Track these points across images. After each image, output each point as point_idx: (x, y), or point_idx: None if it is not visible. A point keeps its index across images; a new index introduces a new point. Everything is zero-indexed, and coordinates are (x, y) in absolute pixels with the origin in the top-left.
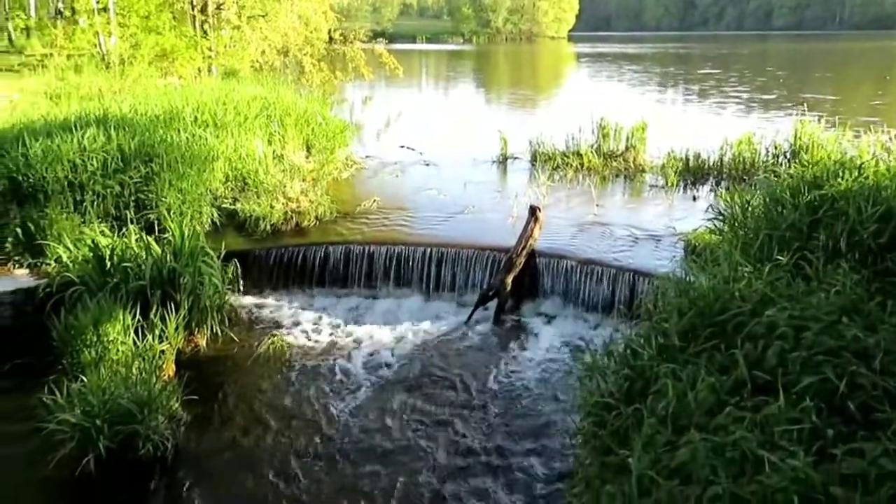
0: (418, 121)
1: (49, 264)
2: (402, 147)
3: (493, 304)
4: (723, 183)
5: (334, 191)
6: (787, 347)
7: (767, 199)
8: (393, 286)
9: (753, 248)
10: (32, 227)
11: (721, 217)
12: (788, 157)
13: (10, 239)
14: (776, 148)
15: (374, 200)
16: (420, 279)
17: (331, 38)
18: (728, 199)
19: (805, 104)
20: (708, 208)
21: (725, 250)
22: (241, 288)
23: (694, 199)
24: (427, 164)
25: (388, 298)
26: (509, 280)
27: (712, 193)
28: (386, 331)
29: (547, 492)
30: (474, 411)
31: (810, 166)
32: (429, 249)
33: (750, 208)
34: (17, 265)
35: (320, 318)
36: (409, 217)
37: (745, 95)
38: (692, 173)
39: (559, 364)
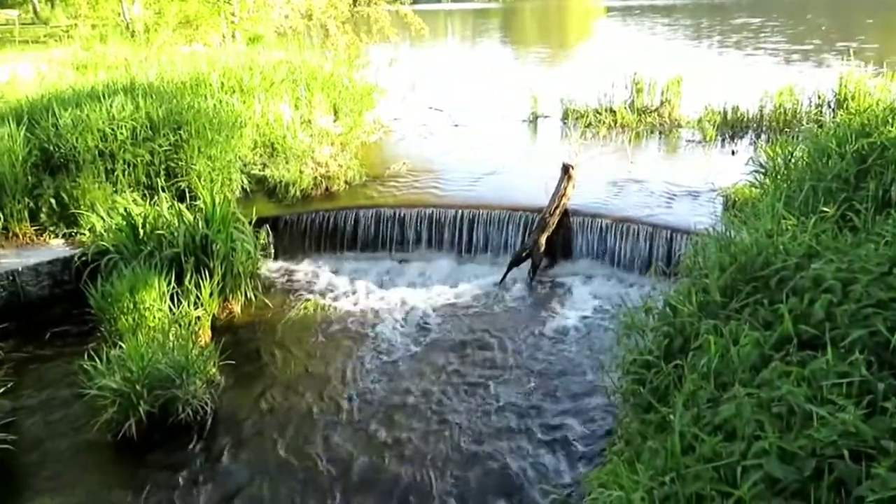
0: (445, 81)
1: (84, 234)
2: (430, 108)
3: (526, 265)
4: (763, 136)
5: (363, 154)
6: (835, 301)
7: (812, 150)
8: (425, 249)
9: (797, 201)
10: (66, 198)
11: (762, 170)
12: (833, 106)
13: (44, 209)
14: (819, 98)
15: (404, 163)
16: (452, 241)
17: (355, 0)
18: (770, 151)
19: (849, 52)
20: (748, 161)
21: (767, 203)
22: (273, 254)
23: (733, 153)
24: (456, 125)
25: (420, 261)
26: (543, 240)
27: (752, 147)
28: (419, 293)
29: (587, 450)
30: (511, 372)
31: (857, 114)
32: (460, 211)
33: (793, 160)
34: (52, 235)
35: (353, 282)
36: (439, 179)
37: (783, 45)
38: (730, 127)
39: (596, 323)
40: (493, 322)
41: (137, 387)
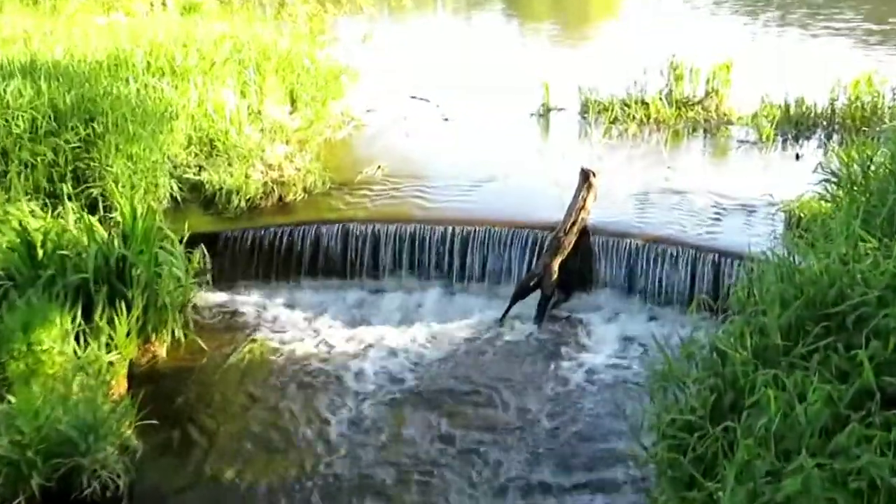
0: (433, 64)
1: None
2: (414, 98)
3: (534, 298)
4: (834, 136)
5: (327, 155)
6: None
7: None
8: (405, 276)
9: (879, 218)
10: None
11: (834, 179)
12: None
13: None
14: None
15: (379, 166)
16: (440, 267)
17: None
18: (844, 155)
19: None
20: (816, 168)
21: (841, 221)
22: (211, 281)
23: (797, 157)
24: (446, 120)
25: (398, 292)
26: (556, 265)
27: (821, 150)
28: (397, 333)
29: None
30: (514, 435)
31: None
32: (451, 228)
33: (873, 167)
34: None
35: (312, 318)
36: (425, 187)
37: (859, 23)
38: (793, 124)
39: (622, 373)
40: (491, 370)
41: (29, 453)
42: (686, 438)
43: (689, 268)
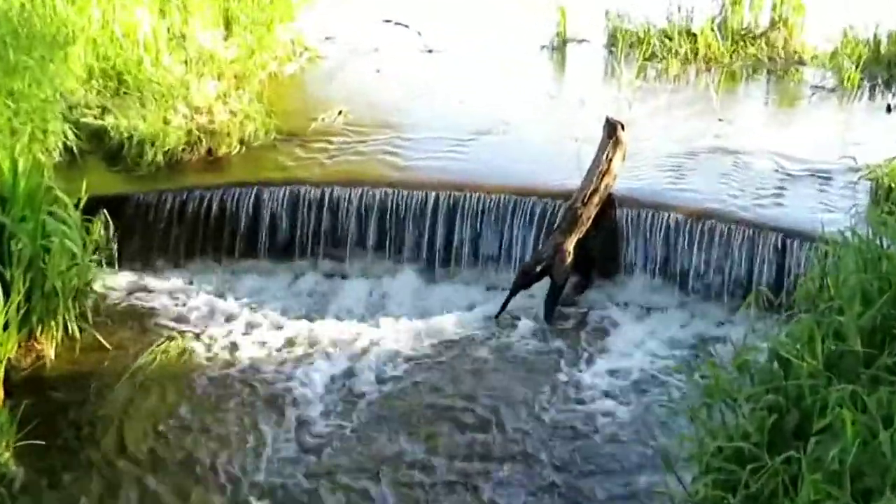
0: None
1: None
2: (388, 23)
3: (541, 287)
4: None
5: (272, 96)
6: None
7: None
8: (373, 257)
9: None
10: None
11: None
12: None
13: None
14: None
15: (341, 111)
16: (419, 244)
17: None
18: None
19: None
20: None
21: None
22: (117, 259)
23: (888, 109)
24: (430, 51)
25: (363, 278)
26: (571, 246)
27: None
28: (363, 331)
29: None
30: (514, 465)
31: None
32: (433, 195)
33: None
34: None
35: (250, 309)
36: (401, 140)
37: None
38: (885, 65)
39: (654, 387)
40: (484, 382)
41: None
42: (736, 472)
43: (743, 251)
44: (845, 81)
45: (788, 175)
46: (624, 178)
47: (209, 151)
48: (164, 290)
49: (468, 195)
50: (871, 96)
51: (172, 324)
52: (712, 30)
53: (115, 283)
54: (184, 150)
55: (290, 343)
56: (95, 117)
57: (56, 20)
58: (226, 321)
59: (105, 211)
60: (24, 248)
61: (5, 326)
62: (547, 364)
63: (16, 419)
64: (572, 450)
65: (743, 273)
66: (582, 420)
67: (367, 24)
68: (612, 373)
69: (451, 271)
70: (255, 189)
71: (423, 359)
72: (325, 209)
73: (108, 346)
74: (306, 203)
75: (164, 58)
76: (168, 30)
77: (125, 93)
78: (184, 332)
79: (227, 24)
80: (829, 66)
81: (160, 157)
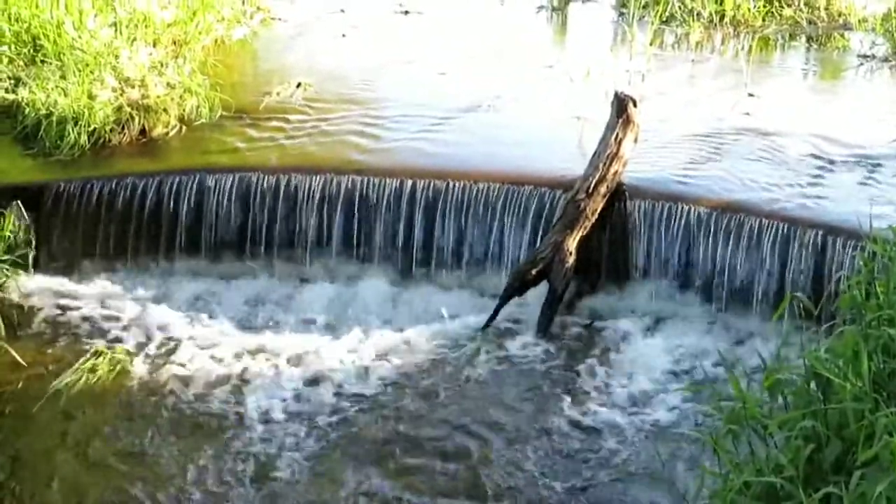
0: None
1: None
2: None
3: (537, 294)
4: None
5: (219, 65)
6: None
7: None
8: (338, 257)
9: None
10: None
11: None
12: None
13: None
14: None
15: (300, 84)
16: (392, 243)
17: None
18: None
19: None
20: None
21: None
22: (33, 259)
23: None
24: (406, 13)
25: (326, 281)
26: (573, 245)
27: None
28: (324, 344)
29: None
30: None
31: None
32: (409, 183)
33: None
34: None
35: (192, 319)
36: (371, 118)
37: None
38: None
39: (669, 412)
40: (469, 407)
41: None
42: None
43: (776, 250)
44: (894, 49)
45: (830, 161)
46: (635, 164)
47: (143, 131)
48: (91, 296)
49: (451, 184)
50: None
51: (100, 337)
52: None
53: (32, 287)
54: (112, 129)
55: (239, 359)
56: (7, 90)
57: None
58: (163, 333)
59: (18, 202)
60: None
61: None
62: (543, 385)
63: None
64: (572, 487)
65: (775, 276)
66: (584, 451)
67: None
68: (620, 395)
69: (431, 274)
70: (197, 176)
71: (397, 379)
72: (280, 200)
73: (23, 363)
74: (259, 193)
75: (88, 20)
76: None
77: (42, 61)
78: (114, 346)
79: None
80: (879, 30)
81: (84, 139)
